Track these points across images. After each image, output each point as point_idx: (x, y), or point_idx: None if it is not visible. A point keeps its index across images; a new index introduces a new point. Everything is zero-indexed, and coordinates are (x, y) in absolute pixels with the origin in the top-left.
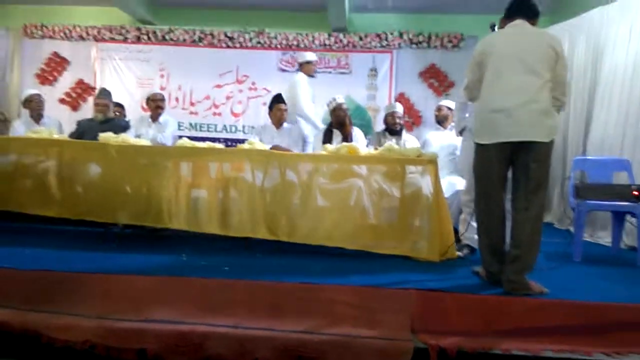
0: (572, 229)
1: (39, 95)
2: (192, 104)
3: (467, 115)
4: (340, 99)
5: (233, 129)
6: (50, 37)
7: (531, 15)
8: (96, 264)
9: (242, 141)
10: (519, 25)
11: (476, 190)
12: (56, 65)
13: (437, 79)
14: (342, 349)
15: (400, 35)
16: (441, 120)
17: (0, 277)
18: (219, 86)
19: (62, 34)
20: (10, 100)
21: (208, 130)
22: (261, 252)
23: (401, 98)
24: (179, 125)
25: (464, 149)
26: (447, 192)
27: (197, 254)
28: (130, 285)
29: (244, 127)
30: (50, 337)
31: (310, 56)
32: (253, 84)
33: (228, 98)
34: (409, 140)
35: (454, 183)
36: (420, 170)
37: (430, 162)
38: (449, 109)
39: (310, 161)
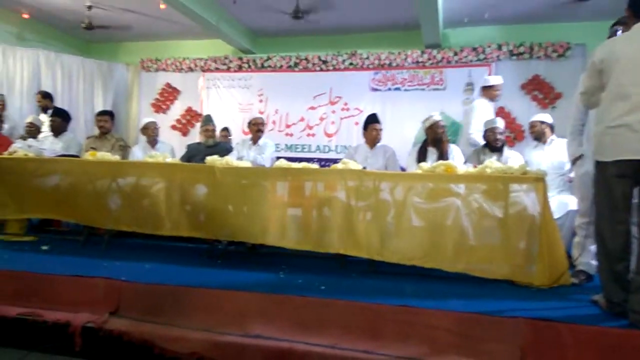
0: None
1: (154, 122)
2: (287, 125)
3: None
4: (437, 116)
5: (326, 148)
6: (164, 70)
7: None
8: (202, 278)
9: (335, 160)
10: None
11: (596, 212)
12: (168, 94)
13: (541, 90)
14: None
15: (499, 47)
16: (538, 137)
17: (123, 290)
18: (312, 108)
19: (173, 66)
20: (129, 128)
21: (302, 151)
22: (356, 272)
23: (501, 112)
24: (276, 147)
25: (578, 177)
26: (557, 212)
27: (294, 271)
28: (233, 300)
29: (336, 146)
30: (161, 347)
31: (494, 80)
32: (345, 104)
33: (321, 119)
34: (511, 156)
35: (565, 202)
36: (525, 188)
37: (537, 180)
38: (543, 123)
39: (404, 180)
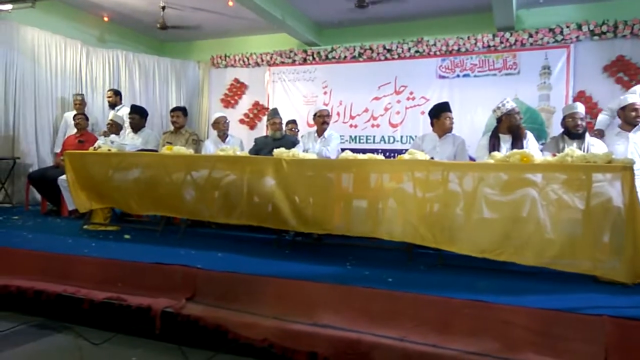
0: None
1: (224, 117)
2: (351, 117)
3: None
4: (511, 103)
5: (391, 139)
6: (232, 66)
7: None
8: (272, 268)
9: (400, 151)
10: None
11: None
12: (237, 89)
13: (626, 72)
14: None
15: (579, 27)
16: (636, 122)
17: (198, 277)
18: (377, 98)
19: (241, 62)
20: (201, 123)
21: (367, 142)
22: (423, 264)
23: (581, 96)
24: (340, 138)
25: None
26: None
27: (361, 263)
28: (301, 290)
29: (401, 137)
30: (235, 333)
31: None
32: (411, 93)
33: (386, 109)
34: (595, 144)
35: None
36: (609, 178)
37: (624, 169)
38: None
39: (475, 170)
